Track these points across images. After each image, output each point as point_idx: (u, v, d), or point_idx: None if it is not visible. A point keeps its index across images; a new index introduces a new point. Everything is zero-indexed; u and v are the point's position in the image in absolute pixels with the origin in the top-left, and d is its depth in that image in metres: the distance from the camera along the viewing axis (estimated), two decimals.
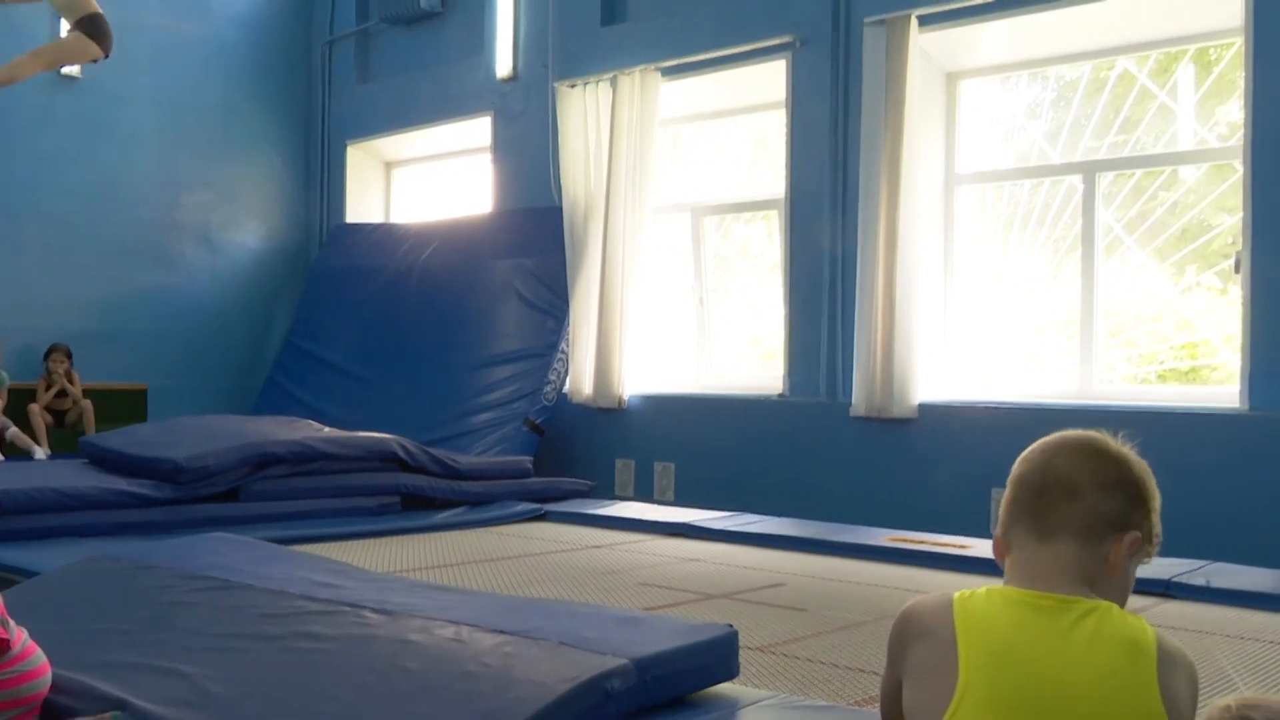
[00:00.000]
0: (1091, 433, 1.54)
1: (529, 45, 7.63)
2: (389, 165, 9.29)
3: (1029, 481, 1.53)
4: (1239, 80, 5.03)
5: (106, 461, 5.35)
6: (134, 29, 8.18)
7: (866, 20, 5.86)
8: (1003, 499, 1.57)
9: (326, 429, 5.82)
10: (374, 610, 2.62)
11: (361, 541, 4.83)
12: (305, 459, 5.28)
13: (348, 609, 2.65)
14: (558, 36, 7.41)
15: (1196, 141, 5.49)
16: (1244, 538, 4.65)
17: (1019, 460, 1.57)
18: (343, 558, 4.05)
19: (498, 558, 4.52)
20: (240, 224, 8.83)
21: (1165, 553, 4.39)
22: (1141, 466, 1.52)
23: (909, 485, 5.67)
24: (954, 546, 4.51)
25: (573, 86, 7.12)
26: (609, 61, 6.98)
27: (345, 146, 8.97)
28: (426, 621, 2.51)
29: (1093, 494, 1.48)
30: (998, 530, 1.57)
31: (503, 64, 7.74)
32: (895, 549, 4.58)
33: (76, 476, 4.95)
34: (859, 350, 5.81)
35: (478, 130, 8.03)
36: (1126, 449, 1.52)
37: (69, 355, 7.59)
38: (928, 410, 5.66)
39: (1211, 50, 5.46)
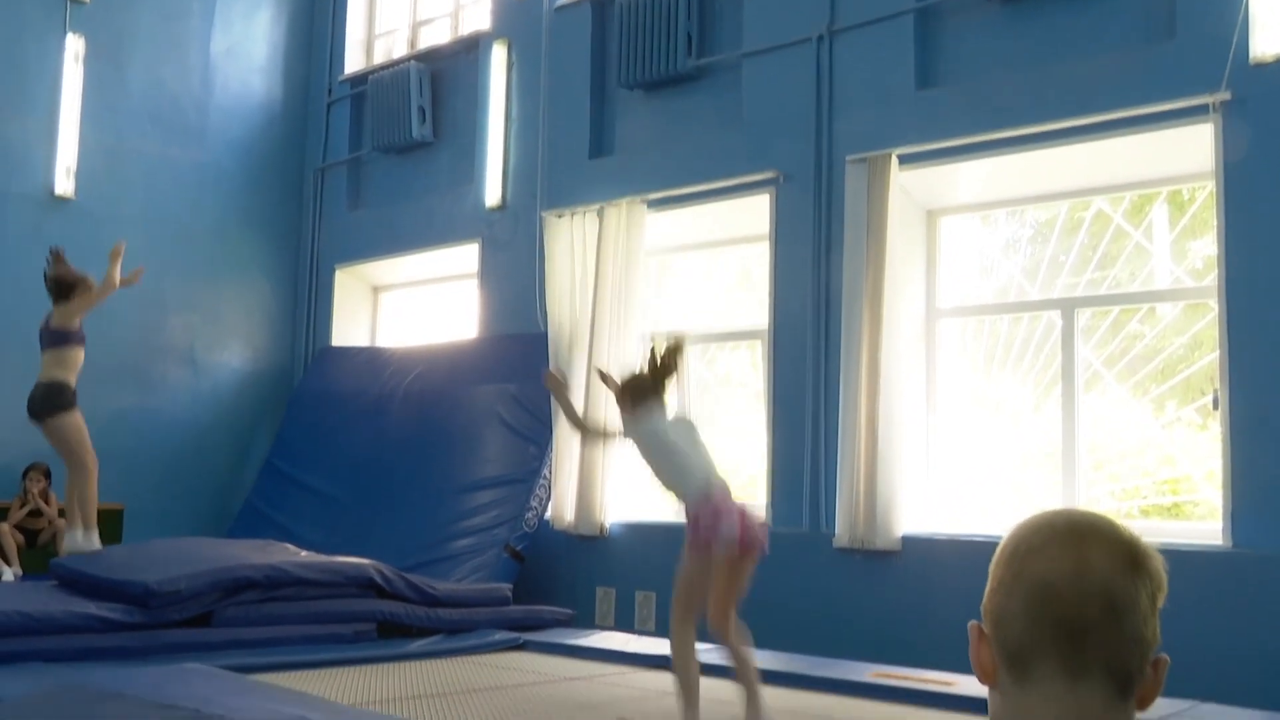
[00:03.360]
0: (1101, 514, 1.21)
1: (518, 175, 7.78)
2: (376, 289, 9.36)
3: (1059, 589, 1.11)
4: (1212, 219, 5.15)
5: (77, 584, 5.26)
6: (128, 154, 8.33)
7: (848, 158, 6.00)
8: (1001, 605, 1.16)
9: (303, 553, 5.74)
10: None
11: (336, 670, 4.73)
12: (280, 584, 5.20)
13: None
14: (546, 167, 7.56)
15: (1172, 280, 5.59)
16: (1231, 678, 4.59)
17: (1020, 549, 1.17)
18: (316, 687, 3.96)
19: (474, 689, 4.43)
20: (225, 346, 8.85)
21: None
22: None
23: (893, 619, 5.60)
24: (939, 683, 4.44)
25: (560, 216, 7.23)
26: (596, 192, 7.11)
27: (334, 270, 9.06)
28: None
29: (1138, 613, 1.12)
30: (989, 650, 1.17)
31: (492, 193, 7.88)
32: (880, 685, 4.50)
33: (45, 599, 4.85)
34: (842, 481, 5.80)
35: (465, 257, 8.13)
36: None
37: (47, 475, 7.51)
38: (911, 543, 5.63)
39: (1185, 191, 5.60)
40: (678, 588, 3.72)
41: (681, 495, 3.73)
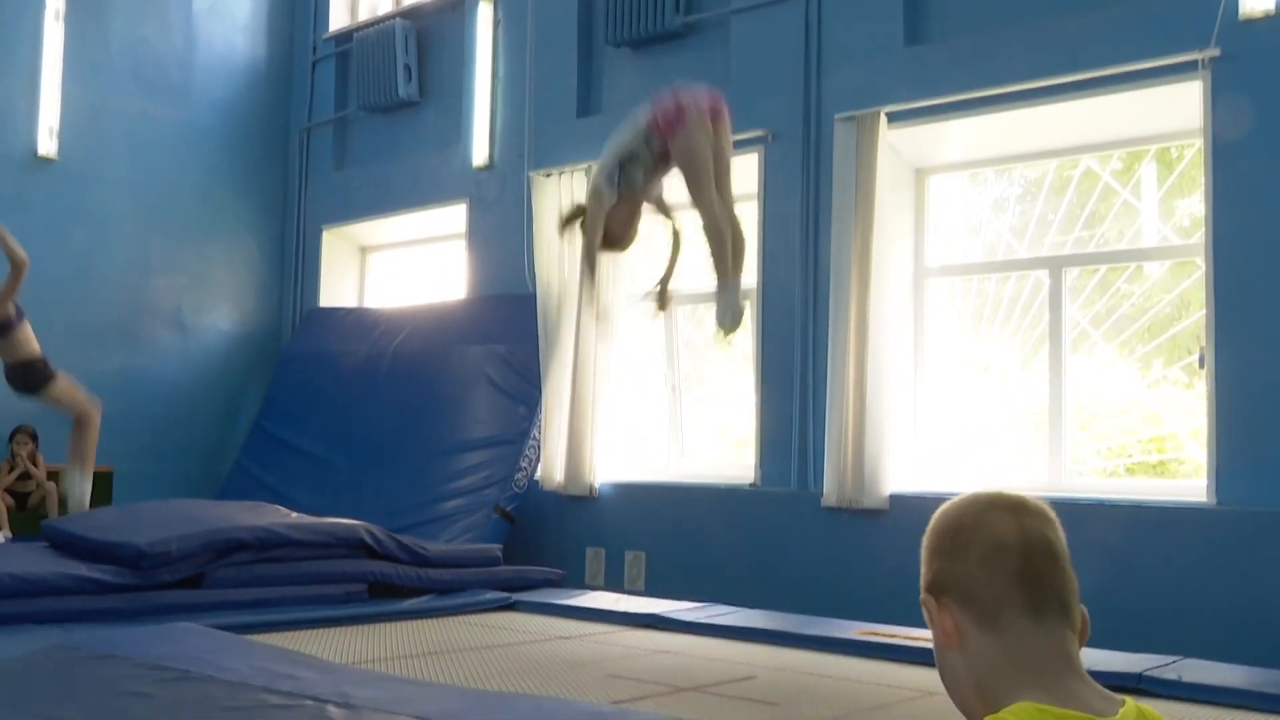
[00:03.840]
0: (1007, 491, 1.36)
1: (505, 135, 7.73)
2: (364, 250, 9.32)
3: (1010, 546, 1.27)
4: (1200, 177, 5.16)
5: (68, 546, 5.27)
6: (111, 113, 8.25)
7: (837, 117, 5.98)
8: (959, 572, 1.30)
9: (293, 515, 5.75)
10: (336, 704, 2.57)
11: (327, 630, 4.75)
12: (271, 545, 5.21)
13: (310, 702, 2.60)
14: (534, 127, 7.51)
15: (1160, 238, 5.60)
16: (1214, 633, 4.64)
17: (962, 525, 1.32)
18: (307, 646, 3.98)
19: (465, 648, 4.46)
20: (212, 307, 8.81)
21: (1136, 646, 4.37)
22: None
23: (881, 577, 5.64)
24: (926, 640, 4.48)
25: (548, 176, 7.20)
26: (584, 152, 7.06)
27: (320, 231, 9.01)
28: (389, 716, 2.46)
29: (1067, 558, 1.30)
30: (950, 617, 1.30)
31: (479, 153, 7.84)
32: (867, 642, 4.55)
33: (36, 561, 4.86)
34: (830, 441, 5.82)
35: (453, 217, 8.09)
36: None
37: (34, 437, 7.50)
38: (899, 501, 5.66)
39: (1173, 149, 5.60)
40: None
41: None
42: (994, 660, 1.26)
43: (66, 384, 6.55)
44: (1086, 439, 5.73)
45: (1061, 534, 1.32)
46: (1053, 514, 1.33)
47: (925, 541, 1.37)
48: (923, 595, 1.36)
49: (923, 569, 1.37)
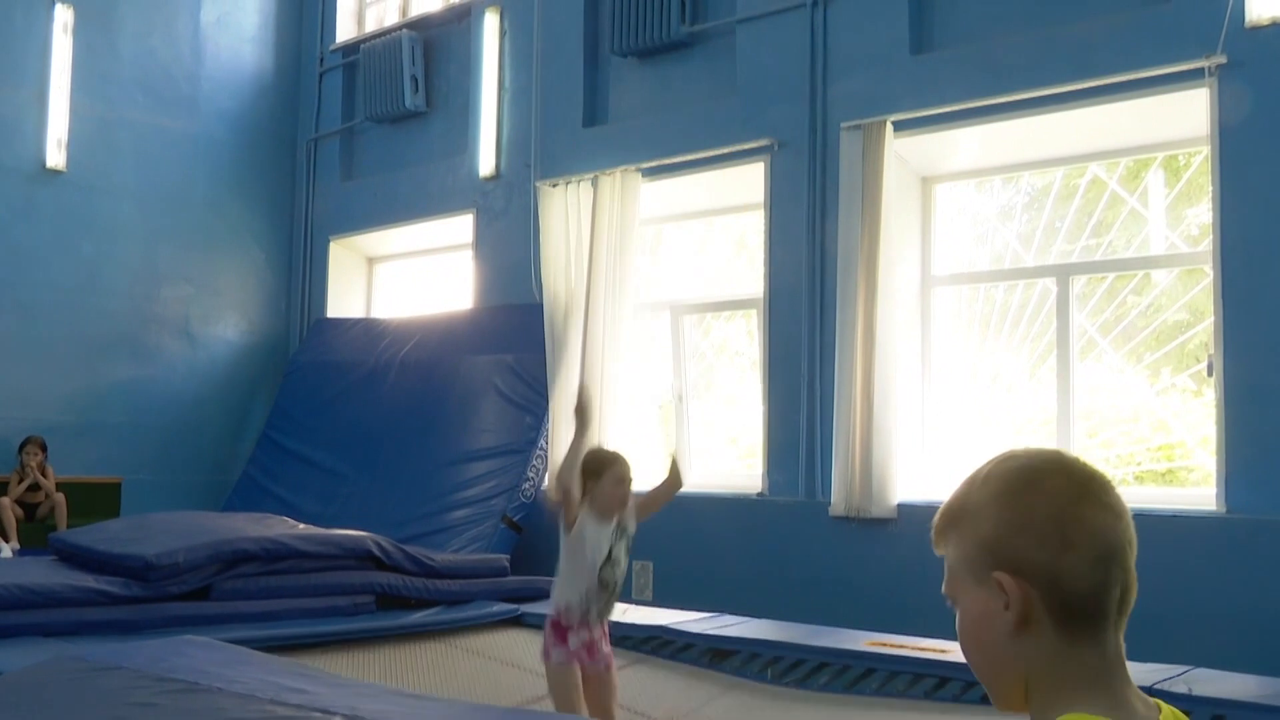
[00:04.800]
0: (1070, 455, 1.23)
1: (512, 145, 7.74)
2: (371, 261, 9.34)
3: (1123, 557, 1.16)
4: (1207, 185, 5.14)
5: (76, 557, 5.27)
6: (119, 124, 8.28)
7: (843, 125, 5.97)
8: (1060, 564, 1.14)
9: (301, 526, 5.75)
10: (345, 717, 2.57)
11: (335, 643, 4.74)
12: (278, 556, 5.20)
13: (318, 715, 2.59)
14: (540, 137, 7.52)
15: (1167, 246, 5.58)
16: (1224, 642, 4.62)
17: (1055, 511, 1.15)
18: (315, 659, 3.98)
19: (473, 661, 4.45)
20: (220, 318, 8.83)
21: (1146, 656, 4.35)
22: None
23: (889, 586, 5.62)
24: (935, 650, 4.46)
25: (554, 186, 7.20)
26: (590, 162, 7.08)
27: (328, 242, 9.03)
28: None
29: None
30: (1030, 602, 1.15)
31: (486, 163, 7.85)
32: (875, 653, 4.52)
33: (44, 573, 4.86)
34: (838, 450, 5.81)
35: (460, 227, 8.10)
36: None
37: (44, 448, 7.52)
38: (907, 510, 5.65)
39: (1180, 156, 5.58)
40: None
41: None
42: (1062, 660, 1.16)
43: None
44: (1095, 447, 5.71)
45: None
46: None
47: (989, 504, 1.21)
48: (974, 556, 1.20)
49: (979, 529, 1.20)
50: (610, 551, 3.57)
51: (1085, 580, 1.15)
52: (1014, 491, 1.20)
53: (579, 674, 3.50)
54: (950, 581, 1.24)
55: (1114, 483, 1.22)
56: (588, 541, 3.53)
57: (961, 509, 1.24)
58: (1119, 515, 1.18)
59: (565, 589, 3.58)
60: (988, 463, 1.28)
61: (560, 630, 3.52)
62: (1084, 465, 1.22)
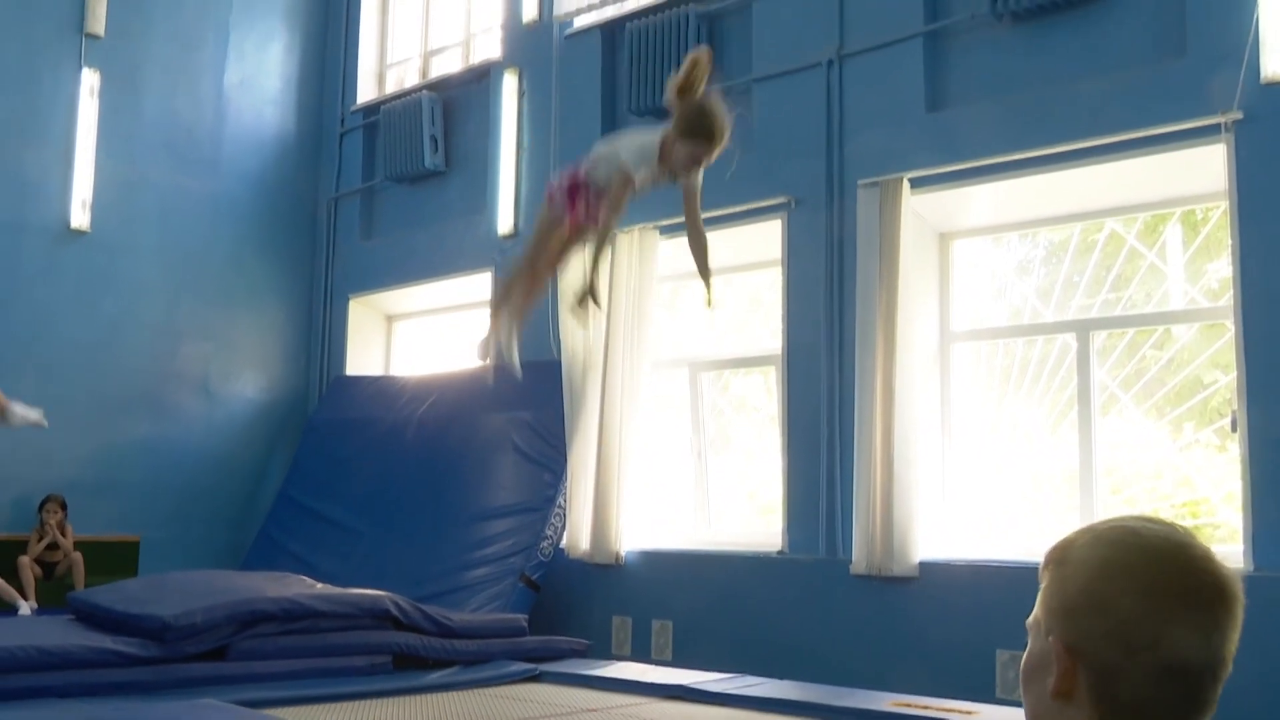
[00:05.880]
0: (1201, 547, 1.14)
1: (530, 203, 7.79)
2: (390, 318, 9.38)
3: (1193, 672, 1.10)
4: (1226, 239, 5.13)
5: (93, 617, 5.26)
6: (143, 185, 8.38)
7: (860, 182, 6.00)
8: (1117, 666, 1.10)
9: (318, 585, 5.73)
10: None
11: (351, 704, 4.71)
12: (296, 616, 5.18)
13: None
14: None
15: (1187, 300, 5.56)
16: (1255, 702, 4.53)
17: (1138, 612, 1.09)
18: None
19: None
20: (239, 375, 8.87)
21: None
22: None
23: (912, 646, 5.55)
24: (960, 712, 4.40)
25: None
26: None
27: (347, 300, 9.07)
28: None
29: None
30: (1075, 679, 1.11)
31: (504, 221, 7.90)
32: (899, 714, 4.46)
33: (61, 634, 4.85)
34: (858, 507, 5.77)
35: (479, 285, 8.13)
36: None
37: (64, 506, 7.53)
38: (929, 569, 5.59)
39: (1198, 211, 5.58)
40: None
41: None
42: None
43: None
44: (1118, 503, 5.65)
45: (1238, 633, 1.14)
46: (1241, 605, 1.14)
47: (1083, 567, 1.15)
48: (1049, 609, 1.16)
49: (1064, 587, 1.16)
50: (633, 169, 3.93)
51: (1138, 691, 1.10)
52: (1113, 566, 1.15)
53: (566, 225, 4.10)
54: (1033, 614, 1.21)
55: (1232, 593, 1.14)
56: (640, 150, 3.90)
57: (1067, 553, 1.20)
58: (1209, 634, 1.11)
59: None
60: (1122, 519, 1.22)
61: (575, 190, 3.99)
62: (1202, 566, 1.14)
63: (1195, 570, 1.13)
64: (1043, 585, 1.21)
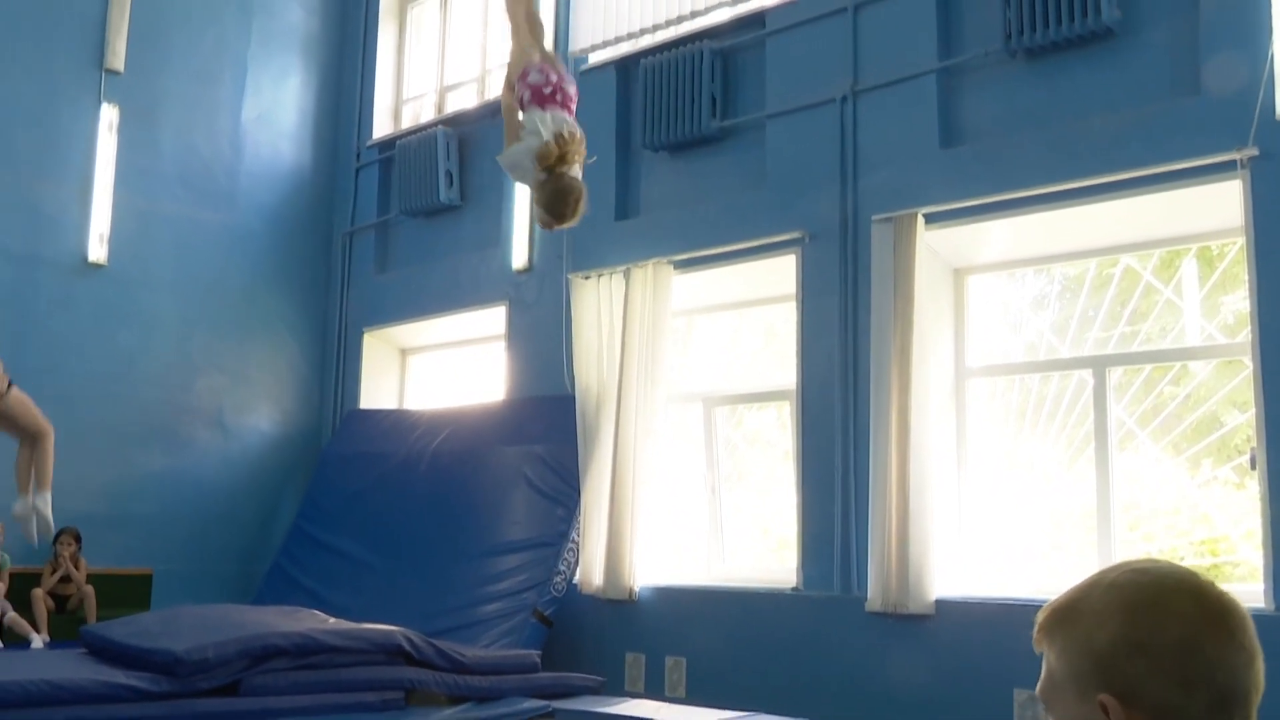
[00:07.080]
0: (1214, 586, 1.14)
1: (544, 238, 7.81)
2: (404, 352, 9.40)
3: (1240, 699, 1.10)
4: (1243, 274, 5.11)
5: (105, 651, 5.25)
6: (160, 218, 8.44)
7: (874, 218, 6.00)
8: (1170, 701, 1.09)
9: (331, 620, 5.71)
10: None
11: None
12: (308, 651, 5.16)
13: None
14: (572, 229, 7.55)
15: (1204, 336, 5.53)
16: None
17: (1195, 643, 1.09)
18: None
19: None
20: (253, 408, 8.88)
21: None
22: None
23: (928, 685, 5.50)
24: None
25: (586, 278, 7.25)
26: (622, 254, 7.13)
27: (362, 333, 9.10)
28: None
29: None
30: None
31: (518, 255, 7.92)
32: None
33: (73, 668, 4.84)
34: (873, 543, 5.73)
35: (493, 319, 8.15)
36: None
37: (78, 539, 7.53)
38: (945, 606, 5.54)
39: (1213, 246, 5.56)
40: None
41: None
42: None
43: (22, 397, 5.92)
44: (1136, 540, 5.61)
45: None
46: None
47: (1110, 614, 1.12)
48: (1082, 669, 1.12)
49: (1092, 639, 1.12)
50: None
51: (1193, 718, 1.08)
52: (1140, 606, 1.12)
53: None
54: (1047, 686, 1.17)
55: (1247, 615, 1.14)
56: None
57: (1076, 611, 1.16)
58: (1251, 657, 1.11)
59: None
60: (1116, 566, 1.19)
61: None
62: (1220, 594, 1.14)
63: (1217, 595, 1.13)
64: (1054, 651, 1.17)
